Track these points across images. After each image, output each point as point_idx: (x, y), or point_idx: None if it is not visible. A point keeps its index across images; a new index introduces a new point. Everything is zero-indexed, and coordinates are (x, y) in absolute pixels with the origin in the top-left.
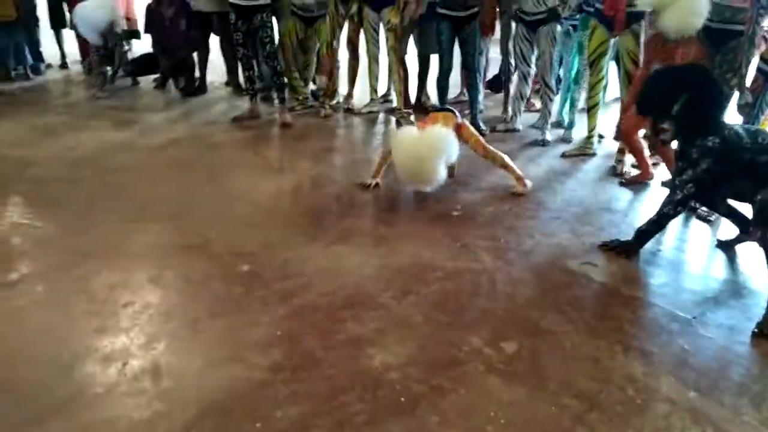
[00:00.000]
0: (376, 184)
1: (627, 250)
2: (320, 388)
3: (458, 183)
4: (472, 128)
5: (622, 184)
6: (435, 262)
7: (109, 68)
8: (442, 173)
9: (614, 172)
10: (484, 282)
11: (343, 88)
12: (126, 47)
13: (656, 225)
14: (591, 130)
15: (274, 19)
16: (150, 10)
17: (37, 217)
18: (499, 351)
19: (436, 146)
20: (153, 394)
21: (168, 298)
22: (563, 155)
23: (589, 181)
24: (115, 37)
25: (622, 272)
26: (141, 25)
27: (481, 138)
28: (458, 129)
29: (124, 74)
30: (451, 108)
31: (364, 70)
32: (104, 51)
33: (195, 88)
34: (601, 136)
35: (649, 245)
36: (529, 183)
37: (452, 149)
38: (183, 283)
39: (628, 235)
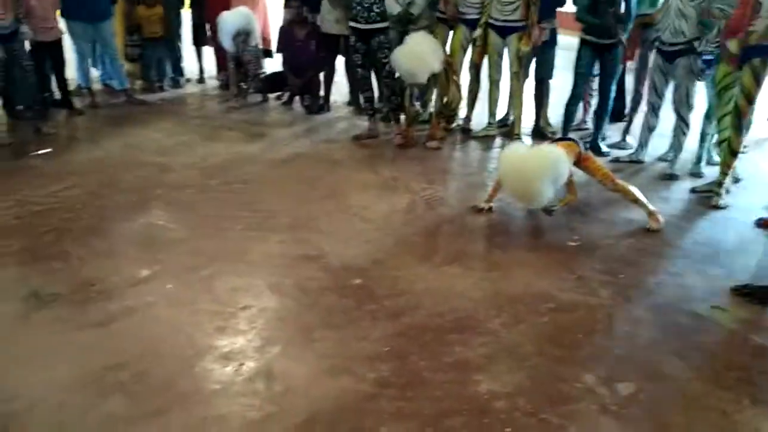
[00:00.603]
0: (489, 209)
1: (762, 297)
2: (426, 409)
3: (577, 212)
4: (598, 161)
5: (759, 225)
6: (549, 292)
7: (243, 84)
8: (549, 193)
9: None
10: (600, 318)
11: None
12: (260, 67)
13: None
14: (723, 168)
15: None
16: (283, 31)
17: (170, 219)
18: (614, 392)
19: (544, 165)
20: (265, 396)
21: (284, 305)
22: (692, 190)
23: (722, 220)
24: (250, 50)
25: (754, 319)
26: (274, 45)
27: (609, 171)
28: (582, 161)
29: (255, 91)
30: (573, 138)
31: (483, 94)
32: (238, 65)
33: (319, 106)
34: (737, 179)
35: None
36: (662, 219)
37: (561, 170)
38: (298, 292)
39: (762, 281)
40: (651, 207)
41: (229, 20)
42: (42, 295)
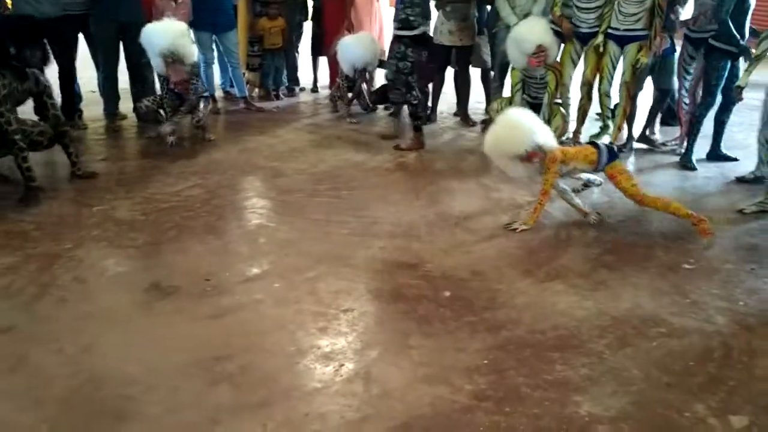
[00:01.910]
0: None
1: None
2: (522, 425)
3: (692, 234)
4: (627, 173)
5: None
6: (659, 315)
7: (350, 94)
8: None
9: None
10: (715, 346)
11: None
12: (371, 86)
13: None
14: None
15: None
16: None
17: (280, 221)
18: (727, 424)
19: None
20: (363, 398)
21: (384, 310)
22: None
23: None
24: (364, 73)
25: None
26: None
27: (638, 187)
28: (608, 173)
29: (370, 103)
30: (596, 143)
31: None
32: (349, 82)
33: (426, 117)
34: None
35: None
36: (711, 226)
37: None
38: (397, 298)
39: None
40: (696, 215)
41: (352, 51)
42: (163, 287)
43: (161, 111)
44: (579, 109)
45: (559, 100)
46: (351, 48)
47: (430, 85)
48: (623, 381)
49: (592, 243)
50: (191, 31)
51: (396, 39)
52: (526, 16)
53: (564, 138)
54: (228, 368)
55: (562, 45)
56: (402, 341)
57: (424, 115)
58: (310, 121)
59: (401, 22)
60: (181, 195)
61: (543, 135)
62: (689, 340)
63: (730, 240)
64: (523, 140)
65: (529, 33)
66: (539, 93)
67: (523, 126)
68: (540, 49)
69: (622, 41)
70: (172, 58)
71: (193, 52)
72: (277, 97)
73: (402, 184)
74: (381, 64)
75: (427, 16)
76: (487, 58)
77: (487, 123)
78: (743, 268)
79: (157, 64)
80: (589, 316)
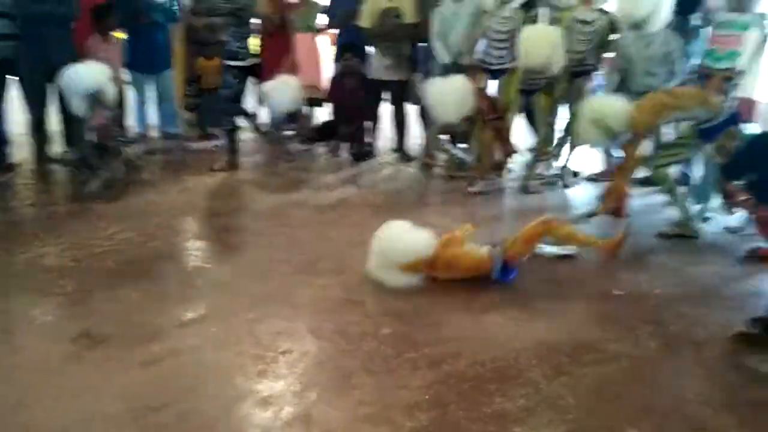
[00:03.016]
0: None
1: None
2: None
3: (622, 260)
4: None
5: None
6: (592, 343)
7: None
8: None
9: None
10: (647, 371)
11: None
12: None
13: None
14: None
15: None
16: (335, 82)
17: (219, 262)
18: None
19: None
20: None
21: (324, 350)
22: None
23: None
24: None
25: None
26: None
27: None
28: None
29: (307, 141)
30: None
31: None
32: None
33: (365, 153)
34: None
35: None
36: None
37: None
38: (339, 336)
39: None
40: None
41: (272, 97)
42: (93, 335)
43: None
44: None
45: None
46: (272, 94)
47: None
48: (559, 410)
49: (526, 274)
50: (127, 72)
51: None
52: (459, 54)
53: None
54: (163, 417)
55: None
56: (343, 381)
57: (366, 150)
58: (250, 159)
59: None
60: (114, 239)
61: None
62: (621, 365)
63: (656, 264)
64: (402, 254)
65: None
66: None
67: (405, 238)
68: None
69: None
70: (94, 100)
71: (112, 97)
72: (216, 137)
73: (343, 222)
74: (318, 102)
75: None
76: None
77: (425, 162)
78: (671, 293)
79: (76, 106)
80: (526, 347)
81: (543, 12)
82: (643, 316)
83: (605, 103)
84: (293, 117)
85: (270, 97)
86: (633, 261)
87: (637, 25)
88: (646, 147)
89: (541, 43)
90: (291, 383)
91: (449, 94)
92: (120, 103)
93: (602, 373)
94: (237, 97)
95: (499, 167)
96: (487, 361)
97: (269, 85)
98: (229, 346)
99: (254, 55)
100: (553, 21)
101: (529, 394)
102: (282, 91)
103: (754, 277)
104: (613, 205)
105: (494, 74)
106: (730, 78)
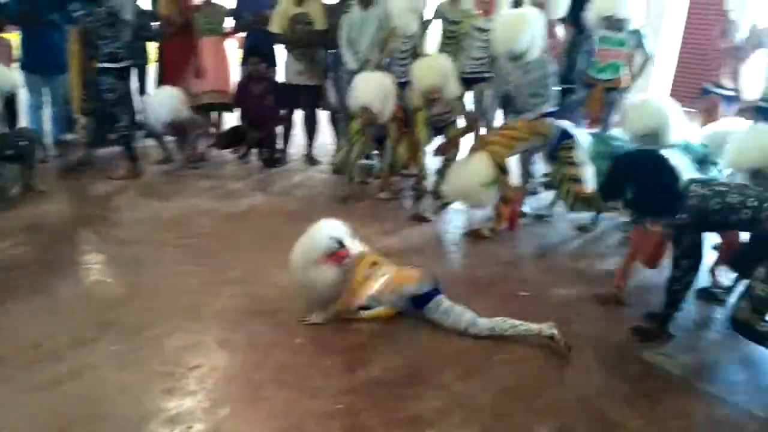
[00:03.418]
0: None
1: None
2: None
3: (528, 261)
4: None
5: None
6: (501, 344)
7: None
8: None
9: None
10: (553, 368)
11: None
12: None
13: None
14: None
15: None
16: (241, 87)
17: (120, 276)
18: None
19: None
20: None
21: (234, 363)
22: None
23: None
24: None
25: (699, 365)
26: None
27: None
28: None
29: (214, 147)
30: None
31: None
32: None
33: (276, 159)
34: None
35: (731, 339)
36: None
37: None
38: (250, 348)
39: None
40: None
41: (153, 107)
42: None
43: None
44: None
45: None
46: (152, 104)
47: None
48: (471, 410)
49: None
50: (21, 73)
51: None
52: (367, 62)
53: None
54: None
55: None
56: (254, 394)
57: (276, 156)
58: (153, 167)
59: None
60: (4, 253)
61: (341, 234)
62: (529, 364)
63: (559, 264)
64: (321, 240)
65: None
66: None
67: (318, 229)
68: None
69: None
70: None
71: None
72: (115, 143)
73: (253, 229)
74: (227, 107)
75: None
76: (333, 100)
77: (337, 166)
78: (573, 292)
79: None
80: (437, 350)
81: (437, 23)
82: (547, 315)
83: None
84: (179, 127)
85: (150, 108)
86: (539, 263)
87: (516, 58)
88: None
89: (432, 72)
90: (200, 399)
91: (376, 87)
92: (7, 105)
93: (512, 373)
94: (122, 100)
95: (408, 176)
96: (400, 366)
97: (149, 96)
98: (134, 364)
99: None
100: (448, 33)
101: (441, 397)
102: (161, 101)
103: (647, 274)
104: (505, 220)
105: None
106: (611, 88)
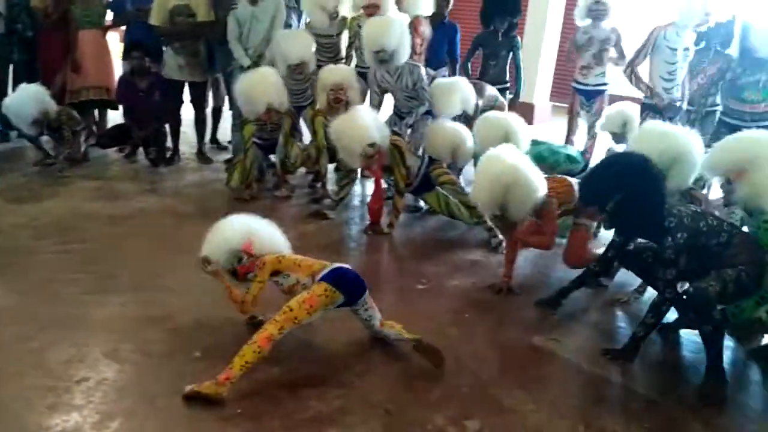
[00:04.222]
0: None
1: (624, 357)
2: None
3: (423, 255)
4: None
5: None
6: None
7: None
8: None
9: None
10: (449, 358)
11: None
12: (71, 130)
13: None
14: None
15: None
16: (123, 82)
17: None
18: (463, 430)
19: None
20: None
21: (125, 374)
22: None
23: (553, 256)
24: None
25: (587, 349)
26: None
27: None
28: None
29: (97, 146)
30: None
31: None
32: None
33: (166, 158)
34: None
35: (617, 323)
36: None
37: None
38: (142, 357)
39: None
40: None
41: (13, 109)
42: None
43: None
44: None
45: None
46: (11, 104)
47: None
48: (372, 406)
49: None
50: None
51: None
52: (260, 57)
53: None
54: None
55: None
56: (148, 405)
57: (166, 155)
58: (30, 169)
59: None
60: None
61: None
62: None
63: (452, 258)
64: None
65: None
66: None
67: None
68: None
69: None
70: None
71: None
72: None
73: (143, 232)
74: (109, 104)
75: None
76: (223, 95)
77: (229, 162)
78: (467, 282)
79: None
80: (339, 348)
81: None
82: (443, 306)
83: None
84: (52, 125)
85: (9, 109)
86: (435, 257)
87: (383, 61)
88: None
89: (261, 88)
90: (88, 414)
91: (260, 83)
92: None
93: (411, 366)
94: None
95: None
96: (300, 365)
97: (7, 97)
98: (13, 379)
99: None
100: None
101: (343, 395)
102: (21, 100)
103: (536, 263)
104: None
105: None
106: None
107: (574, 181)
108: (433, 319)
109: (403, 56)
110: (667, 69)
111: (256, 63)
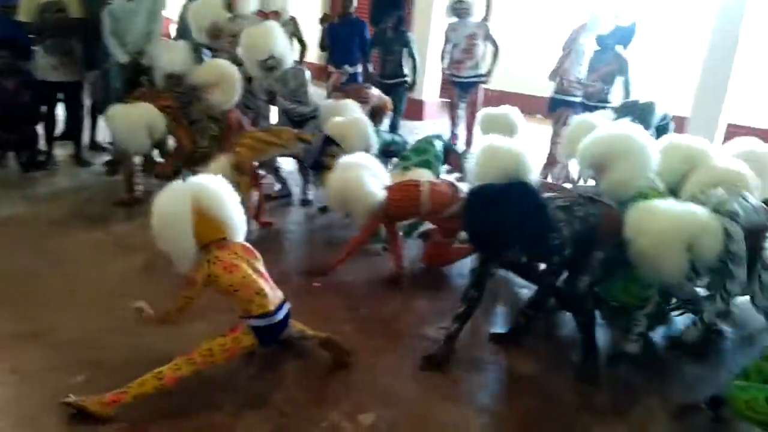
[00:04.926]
0: None
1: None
2: None
3: (318, 253)
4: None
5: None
6: (302, 333)
7: None
8: None
9: None
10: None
11: None
12: None
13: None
14: None
15: None
16: None
17: None
18: (357, 424)
19: None
20: None
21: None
22: None
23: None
24: None
25: (475, 335)
26: None
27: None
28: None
29: None
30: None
31: None
32: None
33: (39, 162)
34: None
35: (506, 310)
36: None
37: None
38: (17, 377)
39: None
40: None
41: None
42: None
43: None
44: None
45: None
46: None
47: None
48: (267, 408)
49: None
50: None
51: None
52: (139, 53)
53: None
54: None
55: None
56: (26, 425)
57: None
58: None
59: None
60: None
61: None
62: (322, 353)
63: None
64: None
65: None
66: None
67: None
68: None
69: None
70: None
71: None
72: None
73: (13, 241)
74: None
75: None
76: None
77: (111, 164)
78: (361, 278)
79: None
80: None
81: None
82: (338, 303)
83: None
84: None
85: None
86: (330, 254)
87: (271, 68)
88: None
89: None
90: None
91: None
92: None
93: (306, 364)
94: None
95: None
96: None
97: None
98: None
99: None
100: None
101: (237, 399)
102: None
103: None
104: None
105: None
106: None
107: (426, 187)
108: (329, 317)
109: (289, 60)
110: (579, 68)
111: (134, 59)
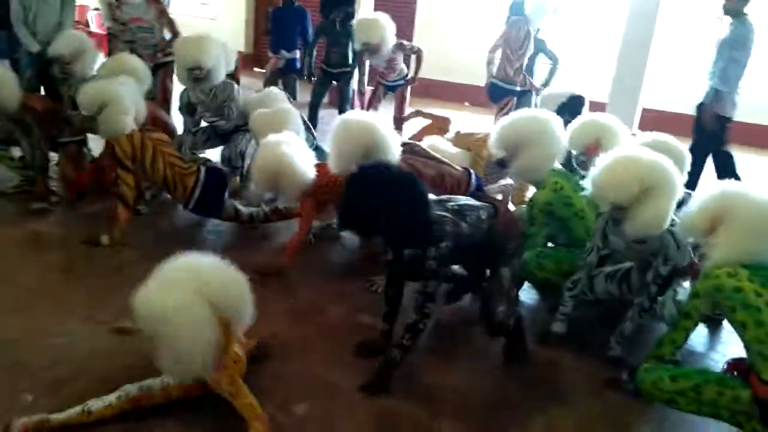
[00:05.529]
0: None
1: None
2: None
3: (250, 246)
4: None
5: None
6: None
7: None
8: None
9: None
10: (276, 345)
11: None
12: None
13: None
14: None
15: None
16: None
17: None
18: (290, 414)
19: None
20: None
21: None
22: None
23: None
24: None
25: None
26: None
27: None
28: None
29: None
30: None
31: None
32: None
33: None
34: None
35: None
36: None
37: None
38: None
39: None
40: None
41: None
42: None
43: None
44: None
45: None
46: None
47: None
48: (195, 407)
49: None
50: None
51: None
52: (49, 43)
53: None
54: None
55: None
56: None
57: None
58: None
59: None
60: None
61: None
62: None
63: (273, 244)
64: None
65: None
66: None
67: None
68: None
69: None
70: None
71: None
72: None
73: None
74: None
75: None
76: None
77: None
78: (294, 268)
79: None
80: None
81: None
82: (275, 295)
83: None
84: None
85: None
86: (263, 249)
87: (198, 80)
88: None
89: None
90: None
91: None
92: None
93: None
94: None
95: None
96: (114, 374)
97: None
98: None
99: None
100: None
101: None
102: None
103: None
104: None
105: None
106: None
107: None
108: (263, 309)
109: (220, 76)
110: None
111: (45, 49)
